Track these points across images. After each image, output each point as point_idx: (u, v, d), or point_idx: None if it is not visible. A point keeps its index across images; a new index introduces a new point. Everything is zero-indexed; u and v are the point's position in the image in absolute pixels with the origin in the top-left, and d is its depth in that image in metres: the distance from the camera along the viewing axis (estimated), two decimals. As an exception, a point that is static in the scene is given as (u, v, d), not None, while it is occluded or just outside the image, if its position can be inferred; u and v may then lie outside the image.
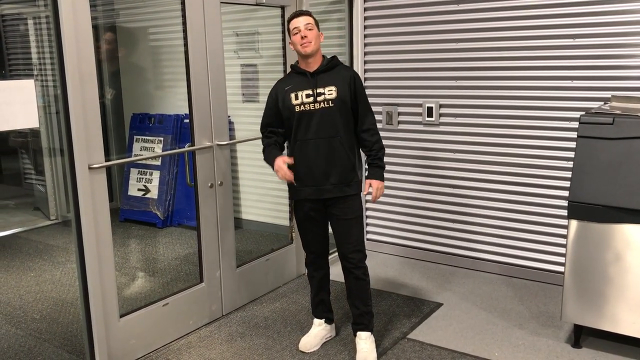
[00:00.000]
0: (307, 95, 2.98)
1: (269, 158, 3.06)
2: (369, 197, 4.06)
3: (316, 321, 3.35)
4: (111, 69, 5.36)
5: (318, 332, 3.32)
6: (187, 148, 3.49)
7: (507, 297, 3.92)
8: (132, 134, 5.31)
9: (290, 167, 3.01)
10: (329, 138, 2.97)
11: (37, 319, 3.58)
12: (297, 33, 2.96)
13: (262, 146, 3.13)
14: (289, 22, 3.03)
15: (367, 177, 3.11)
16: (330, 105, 2.96)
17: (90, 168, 2.80)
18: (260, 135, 3.17)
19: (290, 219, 4.25)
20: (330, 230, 3.19)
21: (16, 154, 5.51)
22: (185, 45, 3.31)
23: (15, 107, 2.54)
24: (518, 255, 4.22)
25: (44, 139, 5.20)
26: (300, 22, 2.96)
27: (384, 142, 4.18)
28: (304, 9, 3.95)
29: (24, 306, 3.72)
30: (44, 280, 4.13)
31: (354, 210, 3.06)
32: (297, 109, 2.98)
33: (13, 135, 5.24)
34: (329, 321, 3.37)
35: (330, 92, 2.97)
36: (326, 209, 3.09)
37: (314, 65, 3.01)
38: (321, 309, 3.33)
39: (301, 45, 2.94)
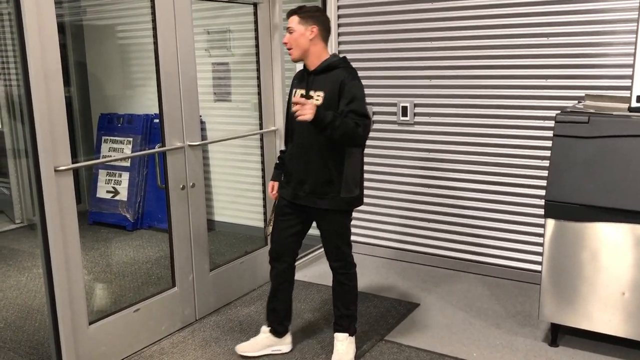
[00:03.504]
0: (301, 96, 2.82)
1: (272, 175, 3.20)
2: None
3: (263, 328, 3.19)
4: (78, 67, 5.24)
5: (260, 339, 3.15)
6: (157, 149, 3.39)
7: (484, 297, 3.91)
8: (100, 135, 5.19)
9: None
10: (309, 146, 2.82)
11: (2, 327, 3.46)
12: None
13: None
14: None
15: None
16: None
17: (56, 170, 2.69)
18: (236, 135, 3.08)
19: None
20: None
21: (-21, 156, 5.35)
22: (155, 43, 3.21)
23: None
24: (495, 254, 4.22)
25: (8, 140, 5.06)
26: (288, 24, 2.77)
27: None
28: (277, 7, 3.90)
29: (-13, 314, 3.60)
30: (8, 286, 4.00)
31: (333, 225, 2.93)
32: (292, 107, 2.72)
33: (-25, 137, 5.09)
34: (276, 334, 3.16)
35: (317, 98, 2.77)
36: (306, 215, 2.99)
37: (311, 64, 2.80)
38: (272, 317, 3.14)
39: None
